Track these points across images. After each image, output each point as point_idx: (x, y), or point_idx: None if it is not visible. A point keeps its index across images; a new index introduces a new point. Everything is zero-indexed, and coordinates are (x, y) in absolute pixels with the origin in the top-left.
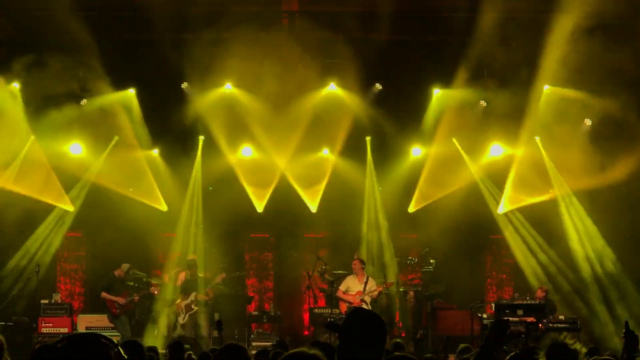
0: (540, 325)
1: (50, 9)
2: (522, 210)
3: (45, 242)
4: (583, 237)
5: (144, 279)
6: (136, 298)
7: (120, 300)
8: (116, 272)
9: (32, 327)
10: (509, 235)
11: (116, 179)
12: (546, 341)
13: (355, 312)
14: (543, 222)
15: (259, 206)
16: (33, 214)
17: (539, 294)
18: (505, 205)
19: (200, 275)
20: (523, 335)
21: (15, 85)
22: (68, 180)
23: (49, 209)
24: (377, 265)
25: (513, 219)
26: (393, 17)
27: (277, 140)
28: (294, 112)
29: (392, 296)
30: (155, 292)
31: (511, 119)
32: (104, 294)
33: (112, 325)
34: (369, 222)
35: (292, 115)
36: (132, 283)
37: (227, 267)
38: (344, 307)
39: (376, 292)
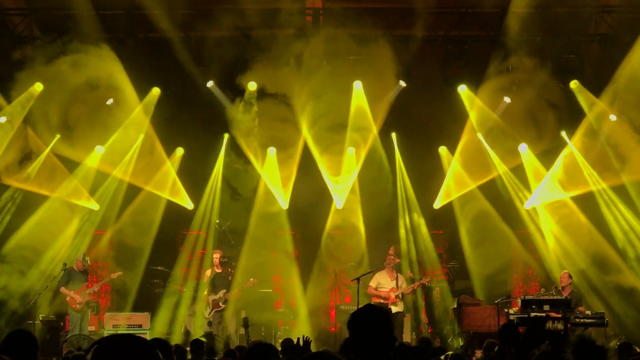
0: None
1: (74, 9)
2: (550, 205)
3: (73, 241)
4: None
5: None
6: (95, 289)
7: (77, 297)
8: (74, 266)
9: (59, 326)
10: (535, 230)
11: (142, 177)
12: (573, 338)
13: (361, 310)
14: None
15: (284, 202)
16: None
17: (564, 278)
18: (538, 199)
19: (230, 269)
20: (562, 333)
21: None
22: (95, 179)
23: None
24: (413, 262)
25: (539, 214)
26: (418, 14)
27: (302, 138)
28: (319, 109)
29: (417, 293)
30: (182, 290)
31: (537, 115)
32: (63, 289)
33: (140, 324)
34: (403, 218)
35: (317, 113)
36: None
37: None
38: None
39: (410, 290)
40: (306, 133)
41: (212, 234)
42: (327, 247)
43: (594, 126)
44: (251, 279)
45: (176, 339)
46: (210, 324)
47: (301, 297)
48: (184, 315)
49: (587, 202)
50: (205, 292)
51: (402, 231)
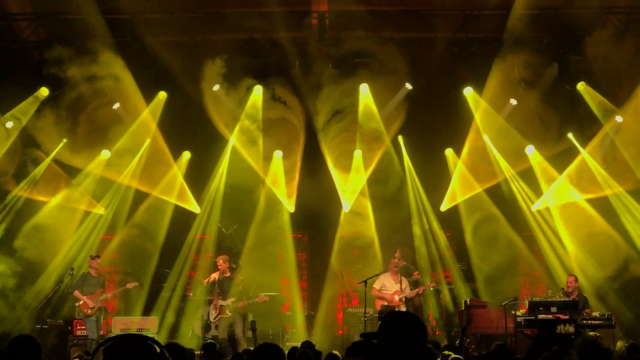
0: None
1: (81, 13)
2: (564, 207)
3: (80, 246)
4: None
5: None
6: (108, 293)
7: (90, 302)
8: (90, 270)
9: (67, 330)
10: (542, 232)
11: (149, 181)
12: (579, 340)
13: (392, 316)
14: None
15: (290, 206)
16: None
17: (571, 282)
18: (549, 201)
19: (241, 278)
20: (573, 336)
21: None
22: (102, 184)
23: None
24: (424, 265)
25: (546, 216)
26: (424, 16)
27: (308, 141)
28: (325, 113)
29: (426, 295)
30: (189, 294)
31: (543, 117)
32: (76, 293)
33: (148, 328)
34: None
35: (324, 116)
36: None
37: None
38: (379, 305)
39: (414, 294)
40: (313, 136)
41: (215, 238)
42: (335, 250)
43: (605, 128)
44: (262, 295)
45: (184, 342)
46: (216, 327)
47: (308, 300)
48: (191, 319)
49: (600, 205)
50: (209, 296)
51: (417, 233)
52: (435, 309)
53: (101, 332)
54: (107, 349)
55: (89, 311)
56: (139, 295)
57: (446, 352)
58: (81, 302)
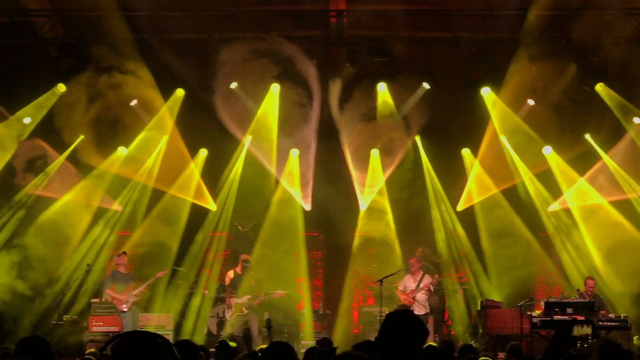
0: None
1: (99, 10)
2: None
3: (96, 242)
4: None
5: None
6: (143, 289)
7: (123, 297)
8: (119, 268)
9: (83, 326)
10: (560, 233)
11: (166, 178)
12: (598, 342)
13: (392, 315)
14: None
15: (306, 204)
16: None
17: (589, 283)
18: (568, 201)
19: (252, 273)
20: (590, 339)
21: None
22: (118, 181)
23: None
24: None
25: (564, 217)
26: (441, 15)
27: (325, 139)
28: (342, 112)
29: (441, 295)
30: (205, 291)
31: (560, 118)
32: (108, 292)
33: (165, 325)
34: (437, 219)
35: (345, 115)
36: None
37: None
38: (397, 304)
39: (426, 288)
40: (331, 135)
41: (231, 236)
42: (352, 249)
43: (627, 129)
44: (279, 291)
45: (199, 340)
46: (232, 325)
47: (324, 299)
48: (206, 317)
49: (622, 207)
50: (226, 295)
51: (437, 233)
52: (451, 309)
53: (116, 329)
54: (115, 346)
55: (124, 307)
56: (155, 293)
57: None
58: (115, 300)
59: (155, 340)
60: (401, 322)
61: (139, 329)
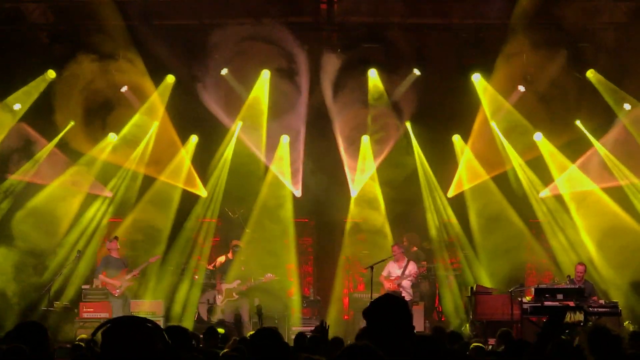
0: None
1: None
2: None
3: (87, 229)
4: None
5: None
6: (136, 273)
7: (116, 282)
8: (111, 253)
9: (74, 313)
10: (550, 219)
11: (157, 165)
12: (588, 327)
13: (380, 299)
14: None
15: (297, 190)
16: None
17: (579, 268)
18: (559, 187)
19: (242, 259)
20: (582, 324)
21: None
22: (108, 167)
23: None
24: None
25: (554, 204)
26: (433, 1)
27: (316, 125)
28: (333, 98)
29: (432, 281)
30: (195, 277)
31: (551, 104)
32: (101, 277)
33: (154, 311)
34: (428, 205)
35: (331, 103)
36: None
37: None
38: (383, 292)
39: (413, 277)
40: (321, 121)
41: (221, 222)
42: (343, 235)
43: (618, 115)
44: (269, 274)
45: (188, 326)
46: (223, 311)
47: (314, 285)
48: (196, 303)
49: (613, 194)
50: (217, 282)
51: (429, 219)
52: (442, 295)
53: (107, 315)
54: (105, 331)
55: (117, 292)
56: (145, 279)
57: (474, 344)
58: (107, 285)
59: (145, 324)
60: (383, 307)
61: (129, 315)
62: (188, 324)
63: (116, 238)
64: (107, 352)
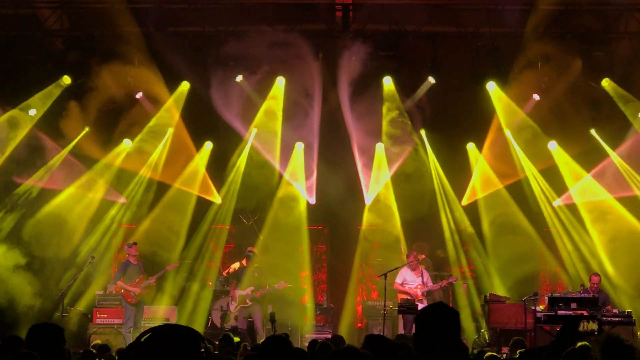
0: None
1: (105, 2)
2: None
3: (102, 235)
4: None
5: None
6: (152, 281)
7: (135, 290)
8: (129, 259)
9: (87, 318)
10: (564, 229)
11: (171, 171)
12: (602, 337)
13: (430, 309)
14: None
15: (310, 198)
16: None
17: (594, 279)
18: (573, 197)
19: (256, 265)
20: (596, 333)
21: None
22: (123, 173)
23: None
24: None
25: (568, 213)
26: (448, 9)
27: (330, 133)
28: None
29: (446, 289)
30: (209, 284)
31: (566, 113)
32: (119, 283)
33: (167, 317)
34: (443, 213)
35: (343, 109)
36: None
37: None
38: (400, 298)
39: (437, 287)
40: (336, 128)
41: (234, 229)
42: (357, 243)
43: (633, 125)
44: (282, 282)
45: (201, 332)
46: (235, 318)
47: (328, 293)
48: (209, 309)
49: (628, 203)
50: (231, 288)
51: (444, 227)
52: (455, 303)
53: (120, 321)
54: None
55: (133, 300)
56: (159, 285)
57: (489, 353)
58: (123, 291)
59: (187, 332)
60: (436, 316)
61: (143, 322)
62: (198, 329)
63: (135, 244)
64: None
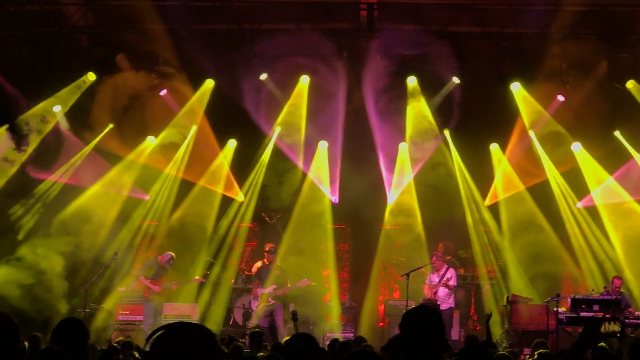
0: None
1: None
2: (605, 207)
3: (126, 232)
4: None
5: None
6: (174, 286)
7: (156, 288)
8: (159, 258)
9: (109, 315)
10: (587, 230)
11: (195, 169)
12: (629, 340)
13: (410, 313)
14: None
15: (334, 197)
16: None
17: (616, 282)
18: (596, 199)
19: (278, 264)
20: (618, 335)
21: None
22: (147, 170)
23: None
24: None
25: (591, 215)
26: (472, 10)
27: (354, 132)
28: (373, 105)
29: (467, 289)
30: (232, 282)
31: (590, 114)
32: (142, 278)
33: (189, 314)
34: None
35: (367, 108)
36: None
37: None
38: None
39: (449, 284)
40: (360, 127)
41: (257, 227)
42: (379, 242)
43: None
44: (305, 279)
45: (224, 330)
46: (258, 316)
47: (350, 292)
48: (231, 307)
49: None
50: (251, 284)
51: (471, 227)
52: (477, 304)
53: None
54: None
55: (150, 296)
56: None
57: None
58: (144, 287)
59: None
60: (417, 319)
61: (161, 319)
62: (216, 327)
63: (172, 258)
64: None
